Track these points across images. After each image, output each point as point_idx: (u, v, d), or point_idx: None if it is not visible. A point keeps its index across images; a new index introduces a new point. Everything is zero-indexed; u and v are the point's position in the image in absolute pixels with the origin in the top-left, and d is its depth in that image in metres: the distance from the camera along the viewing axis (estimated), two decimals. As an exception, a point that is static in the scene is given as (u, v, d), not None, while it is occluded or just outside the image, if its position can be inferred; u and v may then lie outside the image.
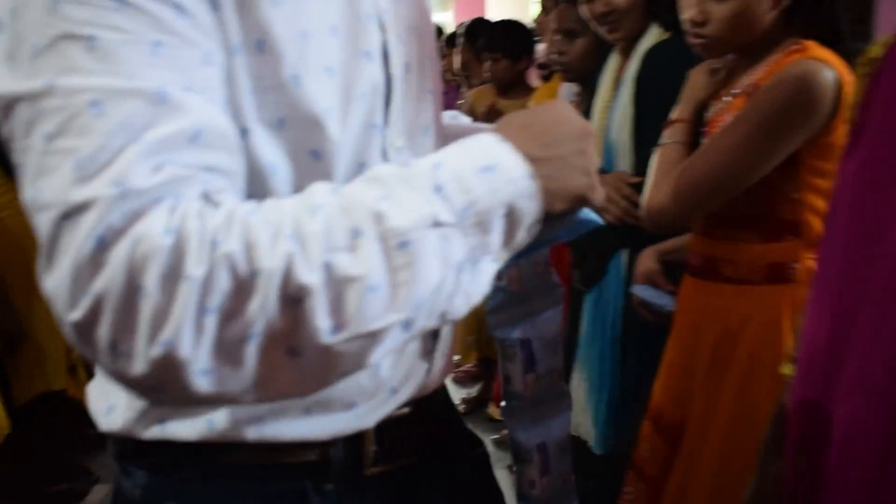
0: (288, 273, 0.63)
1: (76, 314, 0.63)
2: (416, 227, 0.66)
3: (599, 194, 0.78)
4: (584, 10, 1.99)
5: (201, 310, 0.62)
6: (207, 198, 0.65)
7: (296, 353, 0.65)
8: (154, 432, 0.83)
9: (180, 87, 0.66)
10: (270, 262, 0.63)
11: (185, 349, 0.62)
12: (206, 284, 0.62)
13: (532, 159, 0.72)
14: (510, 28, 3.53)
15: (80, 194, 0.62)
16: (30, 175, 0.66)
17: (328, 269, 0.64)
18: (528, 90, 3.47)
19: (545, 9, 2.99)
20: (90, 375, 0.94)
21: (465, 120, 1.17)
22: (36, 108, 0.65)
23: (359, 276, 0.64)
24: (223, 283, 0.62)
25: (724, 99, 1.53)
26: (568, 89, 2.48)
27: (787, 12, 1.46)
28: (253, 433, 0.82)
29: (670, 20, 1.74)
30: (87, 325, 0.63)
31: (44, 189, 0.64)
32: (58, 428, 3.21)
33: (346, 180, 0.74)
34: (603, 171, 1.90)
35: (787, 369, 1.27)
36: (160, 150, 0.64)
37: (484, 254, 0.70)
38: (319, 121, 0.75)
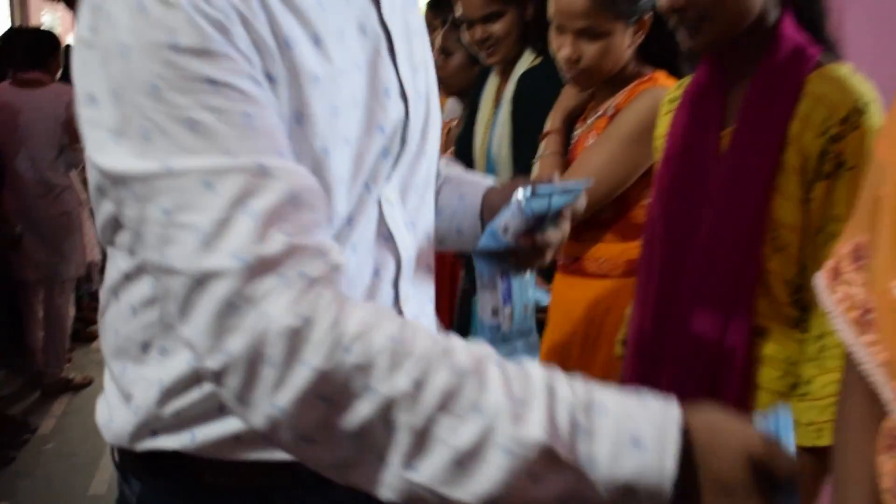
0: (390, 403, 0.70)
1: (212, 364, 0.73)
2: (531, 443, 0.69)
3: None
4: (464, 36, 2.20)
5: (316, 394, 0.71)
6: (329, 271, 0.73)
7: (386, 464, 0.72)
8: (146, 444, 0.91)
9: (273, 153, 0.74)
10: (385, 386, 0.70)
11: (300, 421, 0.72)
12: (321, 375, 0.70)
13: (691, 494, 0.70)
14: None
15: (207, 264, 0.72)
16: (152, 242, 0.75)
17: (429, 423, 0.70)
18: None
19: (432, 28, 3.20)
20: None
21: (458, 167, 1.20)
22: (152, 187, 0.74)
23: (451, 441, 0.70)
24: (340, 380, 0.70)
25: (588, 121, 1.76)
26: (453, 104, 2.70)
27: (641, 48, 1.70)
28: (237, 454, 0.89)
29: (541, 46, 1.96)
30: (220, 374, 0.73)
31: (172, 257, 0.74)
32: None
33: (332, 227, 0.82)
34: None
35: (618, 350, 1.52)
36: (270, 219, 0.72)
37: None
38: (332, 188, 0.82)
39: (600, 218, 1.70)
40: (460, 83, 2.56)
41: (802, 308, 1.24)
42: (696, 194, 1.29)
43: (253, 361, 0.71)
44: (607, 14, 1.61)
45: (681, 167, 1.32)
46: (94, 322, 5.38)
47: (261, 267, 0.71)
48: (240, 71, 0.74)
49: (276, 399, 0.71)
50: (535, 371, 0.73)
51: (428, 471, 0.70)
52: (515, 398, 0.70)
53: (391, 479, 0.72)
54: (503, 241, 1.00)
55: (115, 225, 0.88)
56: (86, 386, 4.37)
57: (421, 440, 0.70)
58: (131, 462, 0.94)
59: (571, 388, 0.72)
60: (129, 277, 0.91)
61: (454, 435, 0.69)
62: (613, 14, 1.61)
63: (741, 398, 1.25)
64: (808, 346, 1.23)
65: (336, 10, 0.84)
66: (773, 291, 1.23)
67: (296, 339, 0.70)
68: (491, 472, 0.69)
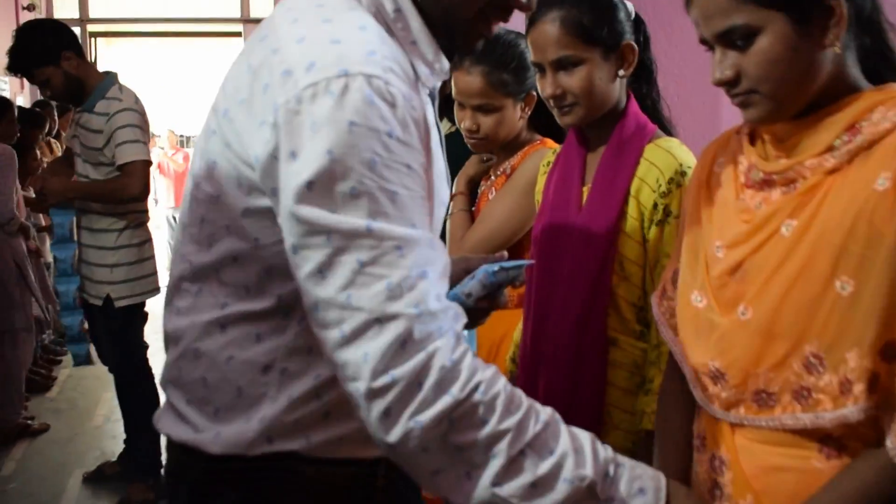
0: (498, 436, 0.96)
1: (374, 384, 0.94)
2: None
3: None
4: None
5: (447, 416, 0.94)
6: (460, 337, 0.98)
7: (470, 477, 0.98)
8: (262, 449, 1.09)
9: (433, 232, 0.99)
10: (498, 423, 0.96)
11: (427, 434, 0.95)
12: (457, 403, 0.94)
13: None
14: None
15: (391, 308, 0.93)
16: (339, 284, 0.95)
17: (521, 455, 0.97)
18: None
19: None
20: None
21: None
22: (352, 241, 0.95)
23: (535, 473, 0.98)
24: (467, 410, 0.95)
25: (490, 179, 2.12)
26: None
27: (532, 119, 2.06)
28: (338, 452, 1.12)
29: (453, 118, 2.33)
30: (376, 393, 0.94)
31: (357, 297, 0.94)
32: None
33: None
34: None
35: (510, 366, 1.86)
36: (437, 282, 0.97)
37: None
38: None
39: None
40: None
41: (645, 324, 1.59)
42: (562, 237, 1.65)
43: (411, 386, 0.94)
44: (498, 93, 1.97)
45: (551, 216, 1.68)
46: (49, 372, 5.55)
47: (428, 317, 0.95)
48: (421, 162, 1.00)
49: (419, 416, 0.94)
50: (581, 432, 1.03)
51: (512, 489, 0.97)
52: (575, 447, 1.00)
53: (478, 490, 0.98)
54: (466, 304, 1.25)
55: (247, 265, 1.07)
56: (43, 432, 4.54)
57: (512, 466, 0.97)
58: (233, 470, 1.11)
59: (604, 448, 1.03)
60: (260, 315, 1.08)
61: (536, 466, 0.98)
62: (504, 92, 1.97)
63: (597, 393, 1.60)
64: (650, 353, 1.58)
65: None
66: (621, 311, 1.59)
67: (448, 375, 0.94)
68: (555, 495, 0.98)
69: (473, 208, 2.15)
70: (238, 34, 9.79)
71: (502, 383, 0.99)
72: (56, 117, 6.31)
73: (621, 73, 1.62)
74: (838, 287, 1.06)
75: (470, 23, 1.12)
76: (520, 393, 1.01)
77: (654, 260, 1.56)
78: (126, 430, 3.82)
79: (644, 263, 1.57)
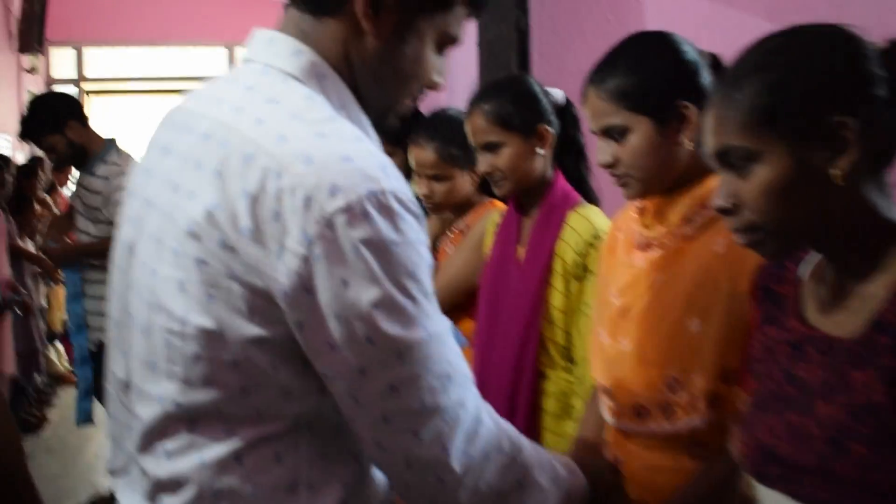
0: (530, 471, 1.17)
1: (459, 469, 1.06)
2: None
3: None
4: None
5: (501, 473, 1.13)
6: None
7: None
8: None
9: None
10: (526, 459, 1.18)
11: (486, 489, 1.11)
12: (508, 459, 1.14)
13: None
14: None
15: (460, 399, 1.07)
16: (414, 394, 1.03)
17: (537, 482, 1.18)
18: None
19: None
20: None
21: None
22: (422, 352, 1.03)
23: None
24: (509, 462, 1.14)
25: (448, 235, 2.47)
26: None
27: (482, 183, 2.41)
28: None
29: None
30: (461, 476, 1.07)
31: (430, 400, 1.03)
32: None
33: None
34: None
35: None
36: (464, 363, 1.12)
37: None
38: None
39: (461, 305, 2.38)
40: None
41: (569, 359, 1.92)
42: (501, 287, 1.99)
43: (483, 460, 1.11)
44: (448, 164, 2.33)
45: (495, 269, 2.03)
46: (42, 413, 5.80)
47: (479, 399, 1.16)
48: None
49: (488, 478, 1.11)
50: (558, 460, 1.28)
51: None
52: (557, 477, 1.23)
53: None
54: None
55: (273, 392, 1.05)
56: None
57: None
58: None
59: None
60: (274, 437, 1.06)
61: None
62: (453, 164, 2.32)
63: (531, 417, 1.92)
64: (575, 385, 1.91)
65: None
66: (549, 349, 1.92)
67: (493, 443, 1.13)
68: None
69: (434, 256, 2.50)
70: (226, 92, 10.17)
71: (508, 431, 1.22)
72: (47, 171, 6.52)
73: (540, 151, 1.96)
74: (690, 325, 1.41)
75: (400, 107, 1.22)
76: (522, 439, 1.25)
77: (576, 308, 1.90)
78: None
79: (567, 310, 1.90)
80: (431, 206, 2.41)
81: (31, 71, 8.84)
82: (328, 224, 0.96)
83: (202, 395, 1.04)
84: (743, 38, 1.16)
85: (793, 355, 1.12)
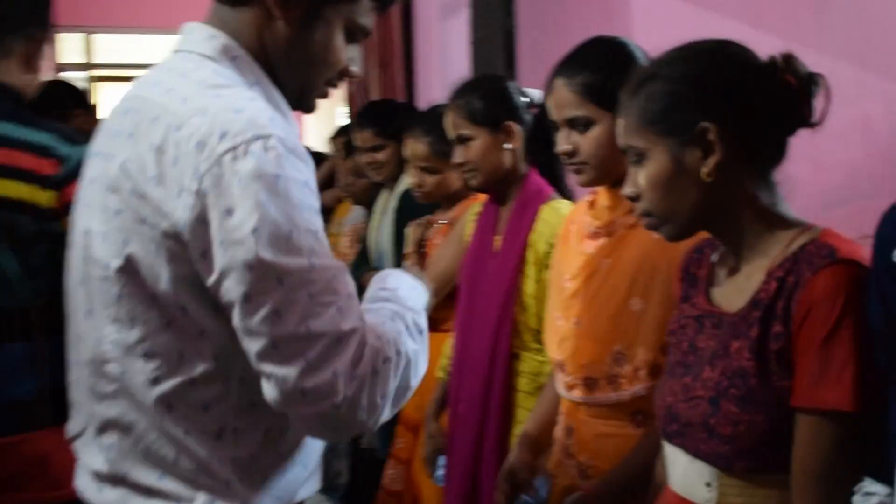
0: (408, 352, 1.20)
1: (348, 391, 1.08)
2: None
3: None
4: (359, 160, 3.10)
5: (394, 376, 1.16)
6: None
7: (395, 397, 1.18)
8: None
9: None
10: (403, 346, 1.19)
11: (390, 396, 1.15)
12: (396, 362, 1.16)
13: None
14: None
15: (346, 325, 1.09)
16: (296, 318, 1.06)
17: (414, 352, 1.22)
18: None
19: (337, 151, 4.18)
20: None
21: None
22: (302, 279, 1.07)
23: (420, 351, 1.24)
24: (395, 362, 1.16)
25: (433, 227, 2.63)
26: (359, 212, 3.61)
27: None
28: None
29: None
30: (353, 396, 1.09)
31: (316, 325, 1.07)
32: None
33: None
34: (375, 269, 2.98)
35: (438, 373, 2.35)
36: (351, 285, 1.14)
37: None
38: None
39: (451, 294, 2.54)
40: (364, 196, 3.45)
41: (539, 342, 2.07)
42: (479, 275, 2.15)
43: (372, 375, 1.13)
44: (439, 158, 2.49)
45: (472, 258, 2.19)
46: None
47: (364, 322, 1.15)
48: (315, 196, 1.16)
49: (383, 388, 1.14)
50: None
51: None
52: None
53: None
54: None
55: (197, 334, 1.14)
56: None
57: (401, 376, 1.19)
58: None
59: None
60: (200, 381, 1.15)
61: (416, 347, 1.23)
62: (444, 159, 2.48)
63: (506, 394, 2.08)
64: (545, 366, 2.07)
65: None
66: (521, 332, 2.08)
67: (381, 357, 1.15)
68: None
69: (423, 250, 2.67)
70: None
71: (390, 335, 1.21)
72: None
73: (507, 146, 2.12)
74: (633, 304, 1.57)
75: (316, 90, 1.33)
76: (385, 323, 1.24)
77: (546, 294, 2.06)
78: None
79: (538, 297, 2.06)
80: (421, 196, 2.58)
81: (42, 57, 8.95)
82: (217, 162, 1.08)
83: (128, 335, 1.16)
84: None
85: (696, 328, 1.30)
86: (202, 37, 1.26)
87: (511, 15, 2.85)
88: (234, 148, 1.08)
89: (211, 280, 1.10)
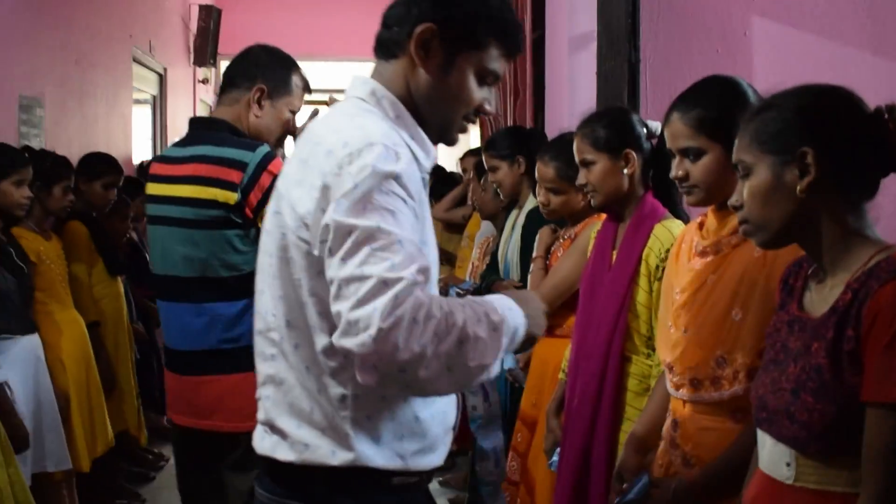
0: (464, 328, 1.31)
1: (383, 325, 1.24)
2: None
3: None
4: (489, 180, 3.39)
5: (437, 335, 1.28)
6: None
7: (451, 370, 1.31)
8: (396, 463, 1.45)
9: (421, 242, 1.36)
10: (458, 319, 1.31)
11: (429, 351, 1.27)
12: (441, 324, 1.28)
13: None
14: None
15: (394, 274, 1.27)
16: (356, 262, 1.28)
17: (474, 334, 1.32)
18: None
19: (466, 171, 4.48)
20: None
21: None
22: (368, 235, 1.29)
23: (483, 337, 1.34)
24: (443, 325, 1.29)
25: (558, 242, 2.88)
26: (488, 226, 3.90)
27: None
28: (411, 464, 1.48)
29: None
30: (388, 332, 1.24)
31: (370, 269, 1.27)
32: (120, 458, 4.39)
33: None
34: (502, 278, 3.26)
35: (561, 376, 2.57)
36: (423, 269, 1.31)
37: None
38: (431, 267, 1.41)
39: (568, 302, 2.76)
40: (493, 212, 3.73)
41: (651, 347, 2.28)
42: (596, 286, 2.37)
43: (411, 321, 1.26)
44: (565, 182, 2.73)
45: (591, 270, 2.42)
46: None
47: (415, 283, 1.29)
48: (412, 203, 1.38)
49: (421, 339, 1.27)
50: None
51: (468, 353, 1.33)
52: (478, 317, 1.36)
53: (455, 362, 1.32)
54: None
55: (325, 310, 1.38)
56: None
57: (462, 346, 1.32)
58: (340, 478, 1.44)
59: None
60: (324, 352, 1.42)
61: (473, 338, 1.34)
62: (569, 182, 2.70)
63: (616, 394, 2.29)
64: (654, 369, 2.27)
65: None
66: (633, 338, 2.29)
67: (426, 309, 1.29)
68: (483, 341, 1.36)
69: (548, 258, 2.92)
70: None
71: (448, 306, 1.33)
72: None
73: (626, 171, 2.34)
74: (734, 315, 1.77)
75: (455, 126, 1.59)
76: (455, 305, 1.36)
77: (657, 304, 2.26)
78: None
79: (650, 306, 2.26)
80: (547, 214, 2.83)
81: (204, 81, 9.73)
82: (338, 164, 1.36)
83: (281, 310, 1.46)
84: (846, 70, 1.55)
85: (787, 331, 1.49)
86: (360, 84, 1.57)
87: (637, 50, 3.06)
88: (350, 153, 1.36)
89: (317, 244, 1.37)
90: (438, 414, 1.53)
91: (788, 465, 1.44)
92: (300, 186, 1.42)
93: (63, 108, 4.80)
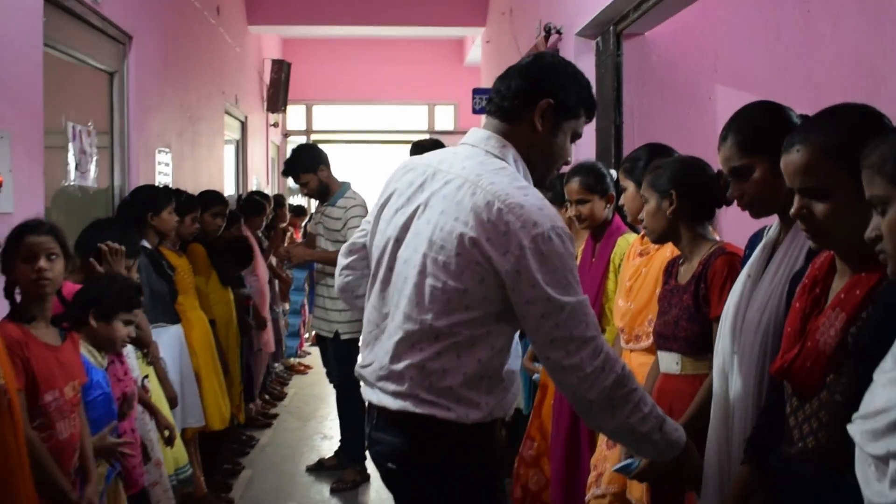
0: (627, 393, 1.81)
1: (589, 369, 1.77)
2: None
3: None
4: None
5: (612, 386, 1.79)
6: None
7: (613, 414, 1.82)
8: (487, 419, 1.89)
9: None
10: (630, 384, 1.83)
11: (606, 392, 1.80)
12: (617, 379, 1.80)
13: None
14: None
15: (590, 333, 1.79)
16: (566, 326, 1.75)
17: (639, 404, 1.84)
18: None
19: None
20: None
21: None
22: (571, 307, 1.75)
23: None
24: (620, 380, 1.80)
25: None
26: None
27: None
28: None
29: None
30: (595, 373, 1.77)
31: (579, 332, 1.76)
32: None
33: None
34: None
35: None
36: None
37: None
38: None
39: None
40: None
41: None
42: (583, 280, 3.41)
43: (601, 369, 1.78)
44: (588, 192, 3.74)
45: (579, 271, 3.48)
46: (282, 389, 7.57)
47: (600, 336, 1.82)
48: None
49: (606, 382, 1.78)
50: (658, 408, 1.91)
51: (633, 420, 1.84)
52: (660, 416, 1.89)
53: (619, 420, 1.83)
54: None
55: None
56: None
57: (635, 409, 1.84)
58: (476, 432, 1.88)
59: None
60: (478, 340, 1.84)
61: (643, 410, 1.85)
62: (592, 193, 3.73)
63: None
64: (609, 334, 3.32)
65: None
66: (606, 313, 3.35)
67: (611, 362, 1.81)
68: (648, 425, 1.87)
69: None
70: (425, 142, 11.96)
71: (624, 366, 1.83)
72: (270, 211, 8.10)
73: (608, 206, 3.40)
74: (656, 294, 2.85)
75: (552, 173, 2.02)
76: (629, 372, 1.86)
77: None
78: (341, 430, 5.25)
79: (614, 290, 3.32)
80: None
81: (274, 125, 10.95)
82: (533, 239, 1.76)
83: (441, 322, 1.83)
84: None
85: (670, 294, 2.56)
86: (497, 144, 1.94)
87: (620, 114, 4.16)
88: (542, 234, 1.77)
89: (519, 303, 1.83)
90: None
91: (677, 363, 2.46)
92: (492, 246, 1.80)
93: (181, 155, 5.93)
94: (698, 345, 2.38)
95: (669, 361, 2.49)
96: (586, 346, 1.78)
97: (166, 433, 3.52)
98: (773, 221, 2.09)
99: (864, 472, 1.36)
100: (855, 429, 1.38)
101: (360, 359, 2.07)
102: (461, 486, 1.92)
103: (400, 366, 1.88)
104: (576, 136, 2.01)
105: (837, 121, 1.61)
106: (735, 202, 2.06)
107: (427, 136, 11.66)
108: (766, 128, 1.96)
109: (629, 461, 2.27)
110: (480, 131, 1.96)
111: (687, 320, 2.40)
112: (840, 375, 1.58)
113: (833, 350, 1.59)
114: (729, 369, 2.06)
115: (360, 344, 2.11)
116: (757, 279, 2.03)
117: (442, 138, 5.47)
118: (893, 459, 1.28)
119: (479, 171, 1.86)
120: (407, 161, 2.07)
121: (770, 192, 1.96)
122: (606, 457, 2.93)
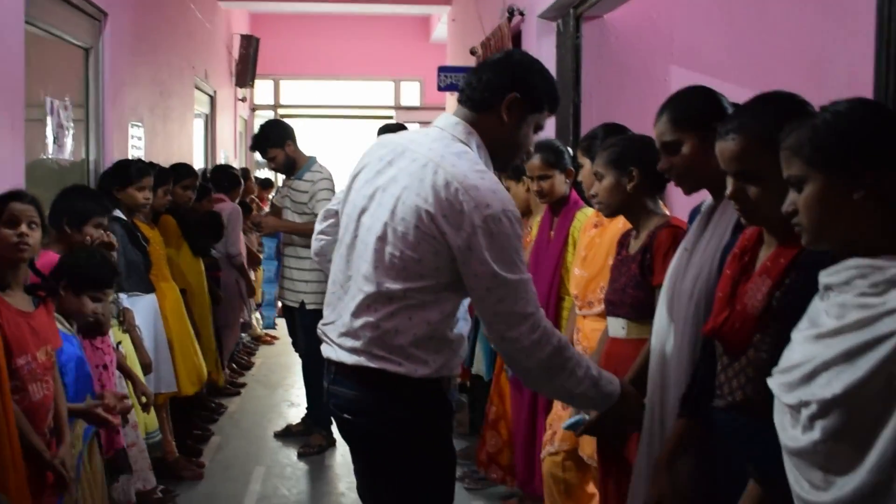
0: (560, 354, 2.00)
1: (526, 342, 1.95)
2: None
3: None
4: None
5: (551, 355, 1.98)
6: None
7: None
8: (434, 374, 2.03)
9: None
10: (565, 354, 2.01)
11: (545, 361, 1.99)
12: (554, 350, 1.98)
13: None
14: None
15: (531, 310, 1.96)
16: (508, 301, 1.91)
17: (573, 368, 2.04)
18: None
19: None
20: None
21: None
22: (515, 283, 1.92)
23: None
24: (555, 353, 1.99)
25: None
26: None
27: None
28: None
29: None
30: (534, 344, 1.95)
31: (519, 308, 1.92)
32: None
33: None
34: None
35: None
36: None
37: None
38: None
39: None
40: None
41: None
42: (541, 252, 3.65)
43: (538, 342, 1.95)
44: (550, 168, 3.98)
45: (537, 244, 3.70)
46: (250, 359, 7.72)
47: (539, 312, 1.99)
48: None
49: (540, 354, 1.96)
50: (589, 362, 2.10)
51: (566, 382, 2.04)
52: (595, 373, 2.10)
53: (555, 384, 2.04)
54: None
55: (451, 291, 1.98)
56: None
57: (571, 375, 2.04)
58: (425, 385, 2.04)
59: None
60: (429, 305, 1.97)
61: (577, 373, 2.05)
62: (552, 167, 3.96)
63: (556, 320, 3.54)
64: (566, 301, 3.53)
65: None
66: (565, 283, 3.56)
67: (544, 337, 1.98)
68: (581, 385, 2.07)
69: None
70: (390, 117, 12.09)
71: (560, 338, 2.01)
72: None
73: (567, 181, 3.59)
74: (608, 261, 3.05)
75: (513, 162, 2.26)
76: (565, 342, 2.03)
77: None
78: (307, 398, 5.39)
79: (572, 262, 3.53)
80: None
81: (243, 100, 11.01)
82: (484, 220, 1.90)
83: (397, 285, 1.98)
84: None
85: (621, 264, 2.75)
86: (464, 130, 2.07)
87: (579, 94, 4.36)
88: (493, 215, 1.91)
89: (467, 275, 1.98)
90: None
91: (623, 328, 2.65)
92: (448, 223, 1.93)
93: (153, 129, 6.03)
94: (643, 310, 2.55)
95: (616, 326, 2.67)
96: (526, 321, 1.96)
97: (143, 399, 3.64)
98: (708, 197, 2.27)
99: (781, 419, 1.51)
100: (773, 381, 1.53)
101: (323, 316, 2.21)
102: (411, 434, 2.09)
103: (357, 323, 2.04)
104: (538, 128, 2.16)
105: (767, 109, 1.75)
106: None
107: (393, 116, 11.98)
108: (697, 108, 2.13)
109: (577, 417, 2.44)
110: (451, 117, 2.11)
111: (633, 287, 2.57)
112: (765, 335, 1.75)
113: (760, 312, 1.75)
114: (666, 332, 2.23)
115: (323, 303, 2.26)
116: (692, 251, 2.22)
117: (407, 114, 5.64)
118: (805, 407, 1.42)
119: (444, 152, 2.00)
120: (382, 138, 2.24)
121: (697, 167, 2.12)
122: (560, 416, 3.12)
